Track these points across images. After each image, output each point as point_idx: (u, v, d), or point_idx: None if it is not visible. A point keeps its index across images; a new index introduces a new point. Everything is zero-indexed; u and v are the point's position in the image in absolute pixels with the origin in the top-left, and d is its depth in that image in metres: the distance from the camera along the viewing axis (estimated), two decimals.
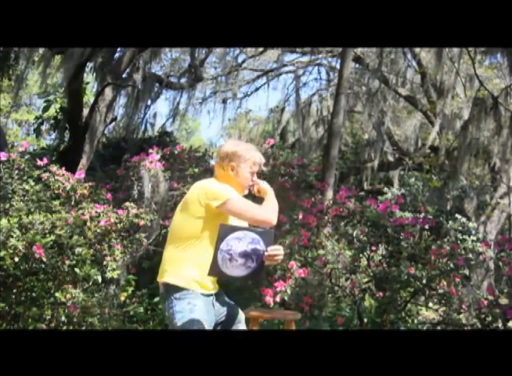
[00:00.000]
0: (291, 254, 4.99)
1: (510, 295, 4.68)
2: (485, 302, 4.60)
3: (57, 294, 4.08)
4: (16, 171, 4.79)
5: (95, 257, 4.41)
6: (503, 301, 4.67)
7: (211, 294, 2.36)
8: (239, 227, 2.26)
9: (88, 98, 9.50)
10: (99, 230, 4.51)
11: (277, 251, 2.22)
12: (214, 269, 2.21)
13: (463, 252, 4.81)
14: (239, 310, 2.53)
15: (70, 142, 7.71)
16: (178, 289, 2.26)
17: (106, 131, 9.54)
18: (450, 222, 5.10)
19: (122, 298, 4.70)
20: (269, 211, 2.32)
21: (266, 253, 2.21)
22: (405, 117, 12.34)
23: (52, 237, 4.12)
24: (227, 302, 2.49)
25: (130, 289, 4.86)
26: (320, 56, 11.48)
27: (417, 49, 9.96)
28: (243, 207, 2.30)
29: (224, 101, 13.05)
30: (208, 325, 2.27)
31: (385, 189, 10.00)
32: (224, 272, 2.23)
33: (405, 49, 9.97)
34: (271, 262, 2.29)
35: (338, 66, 8.41)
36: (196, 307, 2.24)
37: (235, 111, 14.40)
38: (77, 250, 4.22)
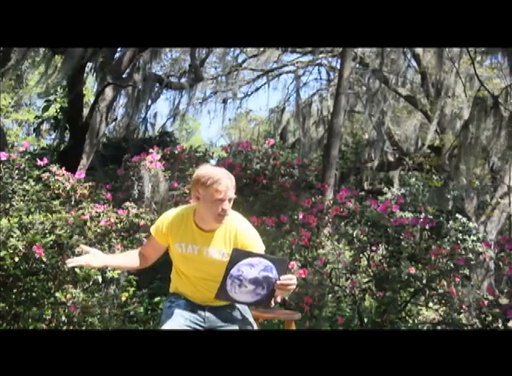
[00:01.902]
0: (291, 254, 4.99)
1: (510, 295, 4.68)
2: (485, 302, 4.60)
3: (57, 294, 4.08)
4: (16, 171, 4.79)
5: None
6: (503, 301, 4.67)
7: (200, 305, 2.34)
8: (253, 253, 2.19)
9: (88, 98, 9.51)
10: (99, 230, 4.51)
11: (290, 280, 2.13)
12: (221, 294, 2.18)
13: (463, 252, 4.81)
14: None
15: (71, 142, 7.72)
16: (168, 294, 2.49)
17: (106, 131, 9.54)
18: (450, 222, 5.09)
19: (122, 298, 4.70)
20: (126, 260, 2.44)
21: (278, 282, 2.13)
22: (405, 117, 12.33)
23: (52, 237, 4.12)
24: (237, 319, 2.38)
25: (130, 289, 4.86)
26: (320, 56, 11.48)
27: (417, 49, 9.95)
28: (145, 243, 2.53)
29: (224, 101, 13.03)
30: (185, 323, 2.28)
31: (385, 189, 9.99)
32: (231, 296, 2.20)
33: (405, 49, 9.96)
34: (282, 291, 2.19)
35: (338, 66, 8.41)
36: (175, 304, 2.35)
37: (235, 111, 14.42)
38: (78, 250, 4.21)
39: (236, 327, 2.35)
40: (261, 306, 2.32)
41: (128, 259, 2.41)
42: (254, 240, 2.32)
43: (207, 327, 2.33)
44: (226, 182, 2.19)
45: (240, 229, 2.31)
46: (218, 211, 2.20)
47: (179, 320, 2.27)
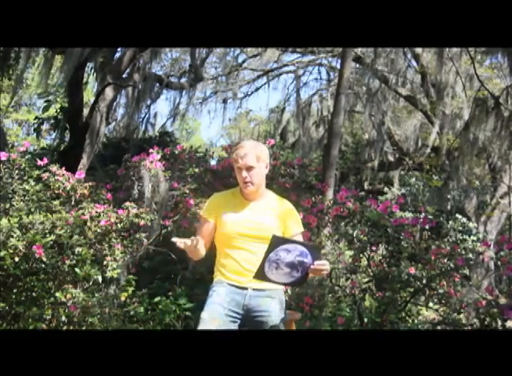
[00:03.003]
0: None
1: (509, 295, 4.68)
2: (484, 302, 4.60)
3: (57, 294, 4.08)
4: (16, 171, 4.78)
5: (96, 257, 4.41)
6: (503, 301, 4.67)
7: (243, 287, 2.40)
8: (291, 240, 2.35)
9: (88, 98, 9.51)
10: (99, 230, 4.51)
11: (323, 266, 2.29)
12: (260, 274, 2.32)
13: (463, 252, 4.80)
14: (280, 326, 2.46)
15: (71, 142, 7.71)
16: (213, 282, 2.52)
17: (106, 131, 9.53)
18: (450, 222, 5.10)
19: (122, 298, 4.69)
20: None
21: (312, 266, 2.28)
22: (406, 117, 12.33)
23: (52, 237, 4.11)
24: (273, 310, 2.43)
25: (130, 289, 4.86)
26: (320, 56, 11.48)
27: (417, 49, 9.95)
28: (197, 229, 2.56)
29: (224, 101, 13.03)
30: (224, 312, 2.35)
31: (385, 189, 10.00)
32: (269, 277, 2.33)
33: (405, 49, 9.97)
34: (316, 275, 2.37)
35: (338, 66, 8.41)
36: (215, 293, 2.42)
37: (235, 111, 14.44)
38: (78, 250, 4.21)
39: (271, 318, 2.42)
40: (296, 286, 2.58)
41: (202, 244, 2.52)
42: (298, 218, 2.56)
43: (245, 314, 2.40)
44: (239, 151, 2.42)
45: (286, 203, 2.55)
46: (242, 180, 2.42)
47: (218, 309, 2.37)
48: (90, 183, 5.12)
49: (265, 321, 2.40)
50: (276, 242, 2.28)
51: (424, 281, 4.77)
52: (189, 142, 19.20)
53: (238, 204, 2.47)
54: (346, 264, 4.86)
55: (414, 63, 10.56)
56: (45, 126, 9.38)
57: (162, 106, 47.78)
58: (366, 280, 5.05)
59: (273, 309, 2.43)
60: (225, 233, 2.46)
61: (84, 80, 7.86)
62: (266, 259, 2.28)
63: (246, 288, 2.40)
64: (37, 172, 4.96)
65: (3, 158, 4.70)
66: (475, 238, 4.98)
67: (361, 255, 5.07)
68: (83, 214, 4.51)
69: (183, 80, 11.07)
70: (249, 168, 2.40)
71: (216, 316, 2.34)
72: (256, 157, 2.41)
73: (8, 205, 4.57)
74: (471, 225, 5.23)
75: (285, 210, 2.50)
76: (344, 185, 9.79)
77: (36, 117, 9.34)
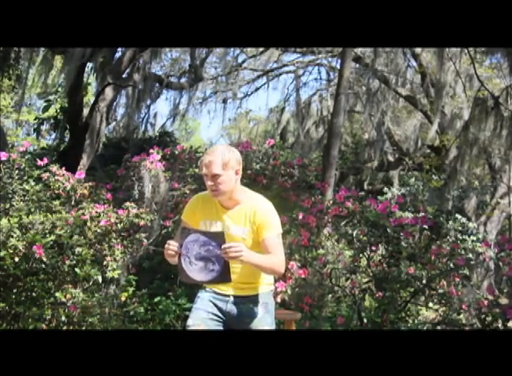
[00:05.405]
0: (291, 254, 4.99)
1: (509, 295, 4.68)
2: (485, 302, 4.60)
3: (57, 294, 4.08)
4: (16, 171, 4.78)
5: (96, 257, 4.41)
6: (503, 301, 4.67)
7: (225, 295, 2.41)
8: (194, 230, 2.29)
9: (88, 98, 9.51)
10: (99, 230, 4.51)
11: (230, 248, 2.14)
12: (183, 274, 2.28)
13: (463, 252, 4.80)
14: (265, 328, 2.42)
15: (71, 142, 7.71)
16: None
17: (106, 131, 9.52)
18: (450, 222, 5.09)
19: (122, 298, 4.69)
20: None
21: (219, 252, 2.18)
22: (405, 117, 12.33)
23: (52, 237, 4.11)
24: (255, 315, 2.38)
25: (130, 289, 4.86)
26: (320, 56, 11.48)
27: (417, 49, 9.95)
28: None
29: (224, 101, 13.02)
30: (208, 316, 2.37)
31: (385, 189, 9.98)
32: (191, 276, 2.27)
33: (405, 49, 9.96)
34: (231, 259, 2.21)
35: (338, 66, 8.41)
36: (199, 299, 2.46)
37: (235, 111, 14.39)
38: (78, 250, 4.21)
39: (254, 323, 2.38)
40: (223, 281, 2.33)
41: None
42: (269, 221, 2.36)
43: (227, 320, 2.40)
44: (204, 159, 2.31)
45: (259, 208, 2.36)
46: (208, 188, 2.34)
47: (202, 315, 2.39)
48: (90, 183, 5.12)
49: (249, 327, 2.38)
50: (184, 234, 2.24)
51: (424, 281, 4.77)
52: (188, 142, 19.19)
53: (214, 213, 2.39)
54: (346, 264, 4.85)
55: (414, 63, 10.56)
56: (45, 126, 9.38)
57: (162, 106, 47.77)
58: (366, 280, 5.06)
59: (256, 314, 2.39)
60: None
61: (85, 80, 7.85)
62: (181, 255, 2.23)
63: (228, 295, 2.40)
64: (37, 172, 4.97)
65: (3, 158, 4.70)
66: (475, 238, 4.96)
67: (361, 255, 5.07)
68: (83, 214, 4.51)
69: (183, 80, 11.06)
70: (214, 177, 2.27)
71: (200, 321, 2.36)
72: (222, 165, 2.27)
73: (8, 205, 4.58)
74: (471, 225, 5.21)
75: (257, 217, 2.33)
76: (343, 185, 9.78)
77: (36, 117, 9.34)
